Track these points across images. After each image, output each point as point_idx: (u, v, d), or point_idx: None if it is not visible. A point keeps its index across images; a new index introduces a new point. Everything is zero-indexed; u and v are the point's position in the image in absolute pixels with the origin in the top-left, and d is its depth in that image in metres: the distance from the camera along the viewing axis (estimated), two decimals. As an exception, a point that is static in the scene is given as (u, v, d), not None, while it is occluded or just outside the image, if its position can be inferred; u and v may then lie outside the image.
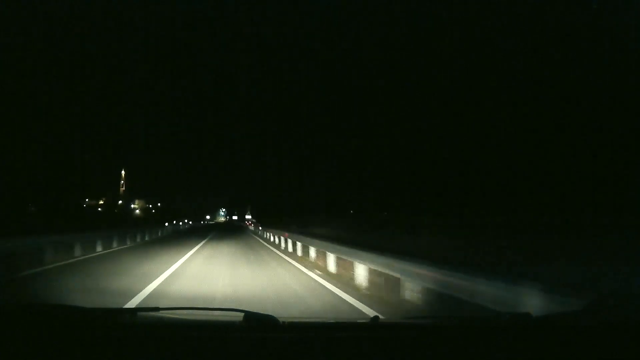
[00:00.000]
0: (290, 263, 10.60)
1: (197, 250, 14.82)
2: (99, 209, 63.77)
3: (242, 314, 1.60)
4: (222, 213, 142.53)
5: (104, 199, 71.75)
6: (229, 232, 35.93)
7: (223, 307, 1.84)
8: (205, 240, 20.94)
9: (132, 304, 5.11)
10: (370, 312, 4.81)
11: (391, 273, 5.67)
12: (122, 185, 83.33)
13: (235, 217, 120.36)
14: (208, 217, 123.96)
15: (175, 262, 10.29)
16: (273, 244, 18.60)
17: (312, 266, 9.63)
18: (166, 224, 36.81)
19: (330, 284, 6.91)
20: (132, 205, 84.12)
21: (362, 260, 6.73)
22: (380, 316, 1.79)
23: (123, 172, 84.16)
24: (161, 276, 7.65)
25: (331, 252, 8.66)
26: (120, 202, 79.29)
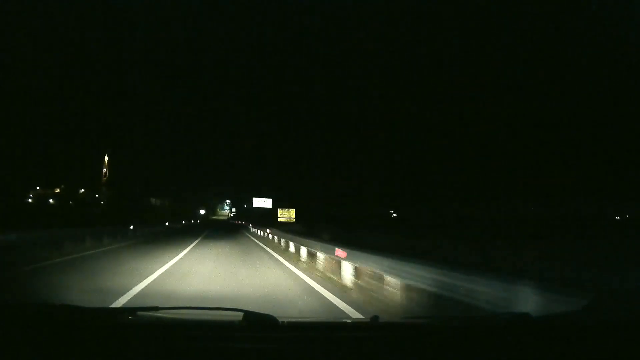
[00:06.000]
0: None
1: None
2: (51, 200, 54.94)
3: (242, 313, 1.66)
4: (227, 206, 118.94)
5: (61, 187, 64.94)
6: None
7: (222, 306, 1.90)
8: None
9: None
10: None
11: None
12: (105, 173, 74.50)
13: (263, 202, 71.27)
14: (203, 211, 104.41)
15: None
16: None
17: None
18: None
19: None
20: (97, 196, 76.61)
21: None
22: (380, 316, 1.88)
23: (106, 158, 71.28)
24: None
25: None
26: (82, 190, 72.05)
